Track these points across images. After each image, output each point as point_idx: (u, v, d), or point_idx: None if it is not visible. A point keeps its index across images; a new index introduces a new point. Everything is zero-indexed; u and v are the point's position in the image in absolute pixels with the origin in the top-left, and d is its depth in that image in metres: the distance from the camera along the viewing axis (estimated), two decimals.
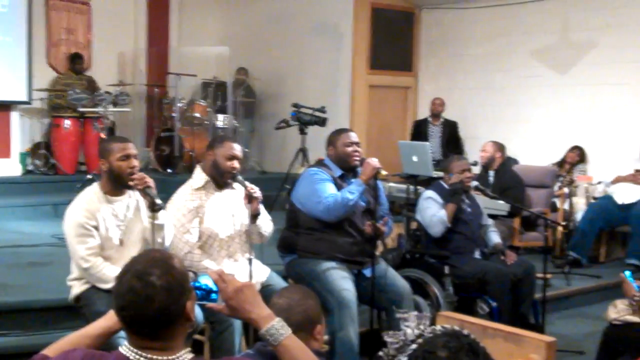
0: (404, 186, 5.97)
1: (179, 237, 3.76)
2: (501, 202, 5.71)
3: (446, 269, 4.65)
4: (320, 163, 4.32)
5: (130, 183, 3.50)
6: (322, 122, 7.12)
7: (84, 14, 9.62)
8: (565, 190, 7.09)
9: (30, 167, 8.56)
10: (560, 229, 6.73)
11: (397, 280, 4.24)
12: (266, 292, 3.55)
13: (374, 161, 4.05)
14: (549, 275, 5.40)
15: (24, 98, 8.27)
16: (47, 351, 1.97)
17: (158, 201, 3.47)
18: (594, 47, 8.02)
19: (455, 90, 9.22)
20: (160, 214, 3.54)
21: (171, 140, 8.64)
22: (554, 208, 7.11)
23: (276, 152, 9.65)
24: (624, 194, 6.82)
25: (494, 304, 4.59)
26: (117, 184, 3.56)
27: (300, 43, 9.60)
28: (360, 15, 9.17)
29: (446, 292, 4.58)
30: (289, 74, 9.75)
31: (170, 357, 1.76)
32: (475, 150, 7.38)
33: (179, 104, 8.61)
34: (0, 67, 8.12)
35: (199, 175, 3.91)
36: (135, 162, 3.54)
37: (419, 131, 8.88)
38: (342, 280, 3.97)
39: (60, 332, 3.22)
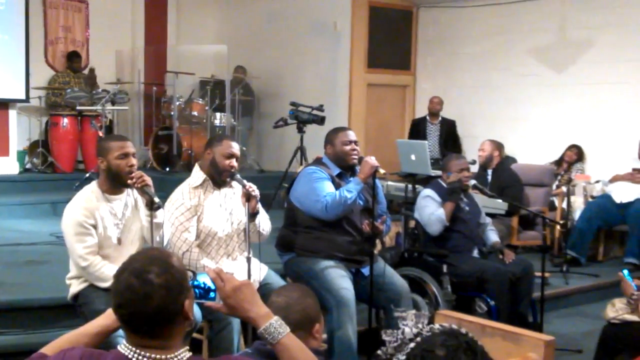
0: (402, 185, 5.98)
1: (177, 236, 3.76)
2: (499, 200, 5.71)
3: (444, 268, 4.65)
4: (318, 161, 4.32)
5: (129, 182, 3.50)
6: (320, 120, 7.12)
7: (81, 12, 9.62)
8: (564, 189, 7.09)
9: (28, 166, 8.56)
10: (558, 227, 6.75)
11: (396, 279, 4.24)
12: (264, 290, 3.55)
13: (372, 160, 4.05)
14: (547, 274, 5.39)
15: (22, 96, 8.25)
16: (46, 350, 1.96)
17: (156, 200, 3.47)
18: (592, 45, 8.02)
19: (453, 88, 9.22)
20: (159, 213, 3.53)
21: (169, 138, 8.63)
22: (552, 207, 7.12)
23: (274, 151, 9.65)
24: (622, 193, 6.82)
25: (492, 302, 4.58)
26: (115, 183, 3.55)
27: (299, 41, 9.60)
28: (358, 13, 9.17)
29: (444, 291, 4.58)
30: (287, 72, 9.75)
31: (168, 356, 1.76)
32: (473, 149, 7.39)
33: (177, 103, 8.61)
34: None
35: (197, 174, 3.91)
36: (134, 161, 3.54)
37: (417, 130, 8.87)
38: (340, 279, 3.97)
39: (59, 331, 3.22)
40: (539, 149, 8.29)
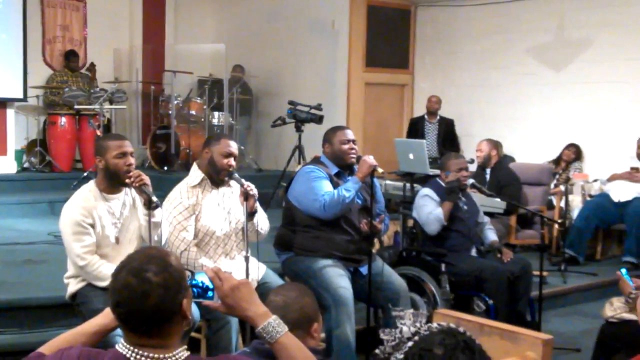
0: (400, 184, 5.99)
1: (175, 235, 3.76)
2: (497, 199, 5.71)
3: (443, 267, 4.64)
4: (316, 160, 4.31)
5: (127, 181, 3.49)
6: (318, 119, 7.11)
7: (79, 11, 9.60)
8: (562, 188, 7.09)
9: (26, 165, 8.55)
10: (556, 226, 6.75)
11: (394, 278, 4.24)
12: (262, 289, 3.55)
13: (371, 159, 4.04)
14: (545, 273, 5.40)
15: (20, 95, 8.25)
16: (43, 349, 1.96)
17: (154, 199, 3.46)
18: (590, 44, 8.03)
19: (451, 87, 9.22)
20: (157, 212, 3.53)
21: (167, 137, 8.62)
22: (550, 206, 7.13)
23: (272, 150, 9.64)
24: (620, 192, 6.82)
25: (491, 301, 4.59)
26: (113, 182, 3.55)
27: (297, 40, 9.59)
28: (356, 12, 9.17)
29: (443, 290, 4.58)
30: (285, 71, 9.74)
31: (166, 355, 1.76)
32: (471, 148, 7.39)
33: (175, 102, 8.60)
34: None
35: (195, 173, 3.91)
36: (132, 160, 3.54)
37: (415, 129, 8.87)
38: (338, 278, 3.97)
39: (57, 330, 3.22)
40: (537, 148, 8.29)
